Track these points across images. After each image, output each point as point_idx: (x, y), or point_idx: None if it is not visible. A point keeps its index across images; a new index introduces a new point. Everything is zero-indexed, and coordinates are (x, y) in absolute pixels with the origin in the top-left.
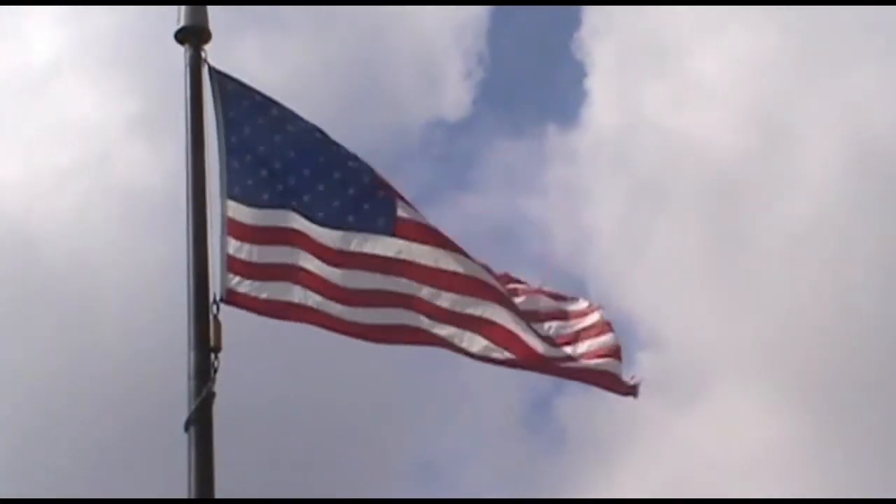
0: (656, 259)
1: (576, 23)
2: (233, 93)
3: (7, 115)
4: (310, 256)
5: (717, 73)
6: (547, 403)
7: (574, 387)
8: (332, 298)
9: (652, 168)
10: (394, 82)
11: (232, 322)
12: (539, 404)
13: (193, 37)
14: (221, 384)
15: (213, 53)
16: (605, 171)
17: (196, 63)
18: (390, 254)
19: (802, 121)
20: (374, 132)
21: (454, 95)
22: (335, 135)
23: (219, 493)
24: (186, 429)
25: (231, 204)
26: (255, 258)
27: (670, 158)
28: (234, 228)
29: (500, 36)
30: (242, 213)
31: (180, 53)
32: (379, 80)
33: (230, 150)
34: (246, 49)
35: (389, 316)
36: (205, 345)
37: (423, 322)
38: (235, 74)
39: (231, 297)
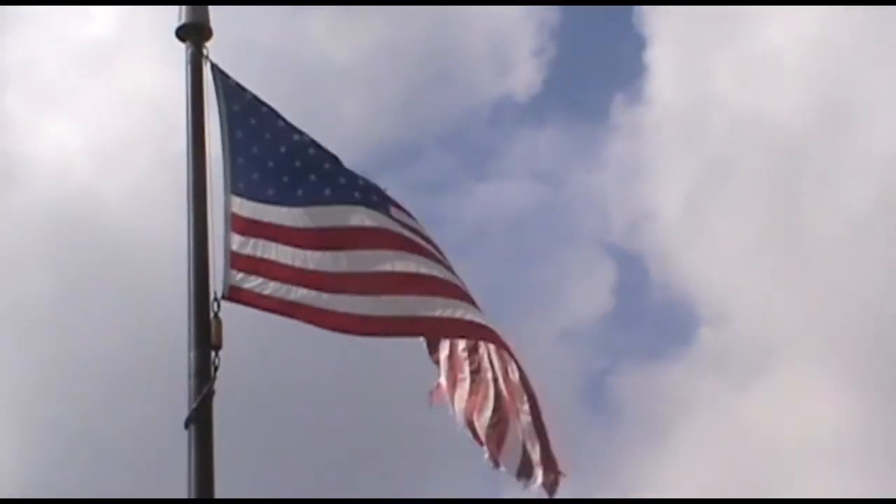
0: (719, 236)
1: None
2: (235, 88)
3: (72, 88)
4: (301, 251)
5: (784, 47)
6: (602, 380)
7: (630, 364)
8: (329, 291)
9: (716, 144)
10: (464, 59)
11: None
12: (595, 381)
13: (194, 34)
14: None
15: (279, 31)
16: (670, 147)
17: (197, 60)
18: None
19: (870, 99)
20: (443, 109)
21: (524, 73)
22: (403, 113)
23: (222, 490)
24: (187, 426)
25: (235, 199)
26: (259, 253)
27: (735, 134)
28: (238, 224)
29: (569, 13)
30: (247, 208)
31: (239, 27)
32: (449, 57)
33: (235, 145)
34: (315, 27)
35: (380, 305)
36: (205, 343)
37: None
38: (304, 52)
39: (234, 294)
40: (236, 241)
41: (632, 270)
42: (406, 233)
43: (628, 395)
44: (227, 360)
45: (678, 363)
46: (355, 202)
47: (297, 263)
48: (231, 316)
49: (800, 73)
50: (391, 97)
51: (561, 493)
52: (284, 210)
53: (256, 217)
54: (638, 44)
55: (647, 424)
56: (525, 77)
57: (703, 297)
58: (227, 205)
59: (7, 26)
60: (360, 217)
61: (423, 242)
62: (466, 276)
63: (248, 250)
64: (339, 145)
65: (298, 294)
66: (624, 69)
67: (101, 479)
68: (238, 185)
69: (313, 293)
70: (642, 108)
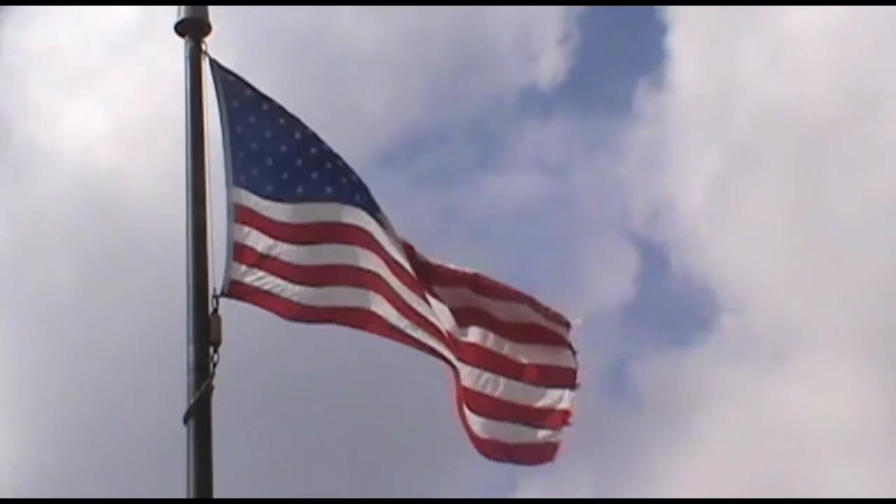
0: (742, 223)
1: None
2: (234, 84)
3: (95, 74)
4: (296, 247)
5: (808, 33)
6: (624, 368)
7: (652, 352)
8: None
9: (740, 131)
10: (489, 48)
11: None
12: (616, 369)
13: (193, 29)
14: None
15: (306, 20)
16: (694, 134)
17: (196, 56)
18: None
19: (894, 85)
20: (470, 97)
21: (549, 61)
22: (428, 102)
23: (220, 485)
24: (185, 422)
25: (237, 191)
26: (260, 247)
27: (759, 121)
28: (241, 215)
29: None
30: (250, 200)
31: (264, 14)
32: (475, 46)
33: (235, 140)
34: (341, 16)
35: (352, 296)
36: (204, 338)
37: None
38: (330, 42)
39: (235, 289)
40: (239, 231)
41: (654, 258)
42: (389, 249)
43: (650, 384)
44: (226, 356)
45: (700, 351)
46: (355, 203)
47: (294, 260)
48: (231, 311)
49: (824, 59)
50: (417, 86)
51: (577, 478)
52: (282, 206)
53: (258, 210)
54: (661, 30)
55: (669, 413)
56: (550, 65)
57: (726, 285)
58: (230, 197)
59: (29, 13)
60: (356, 217)
61: (402, 263)
62: (494, 263)
63: (250, 242)
64: (362, 133)
65: (294, 291)
66: (647, 56)
67: (101, 470)
68: (240, 177)
69: (306, 289)
70: (666, 94)
